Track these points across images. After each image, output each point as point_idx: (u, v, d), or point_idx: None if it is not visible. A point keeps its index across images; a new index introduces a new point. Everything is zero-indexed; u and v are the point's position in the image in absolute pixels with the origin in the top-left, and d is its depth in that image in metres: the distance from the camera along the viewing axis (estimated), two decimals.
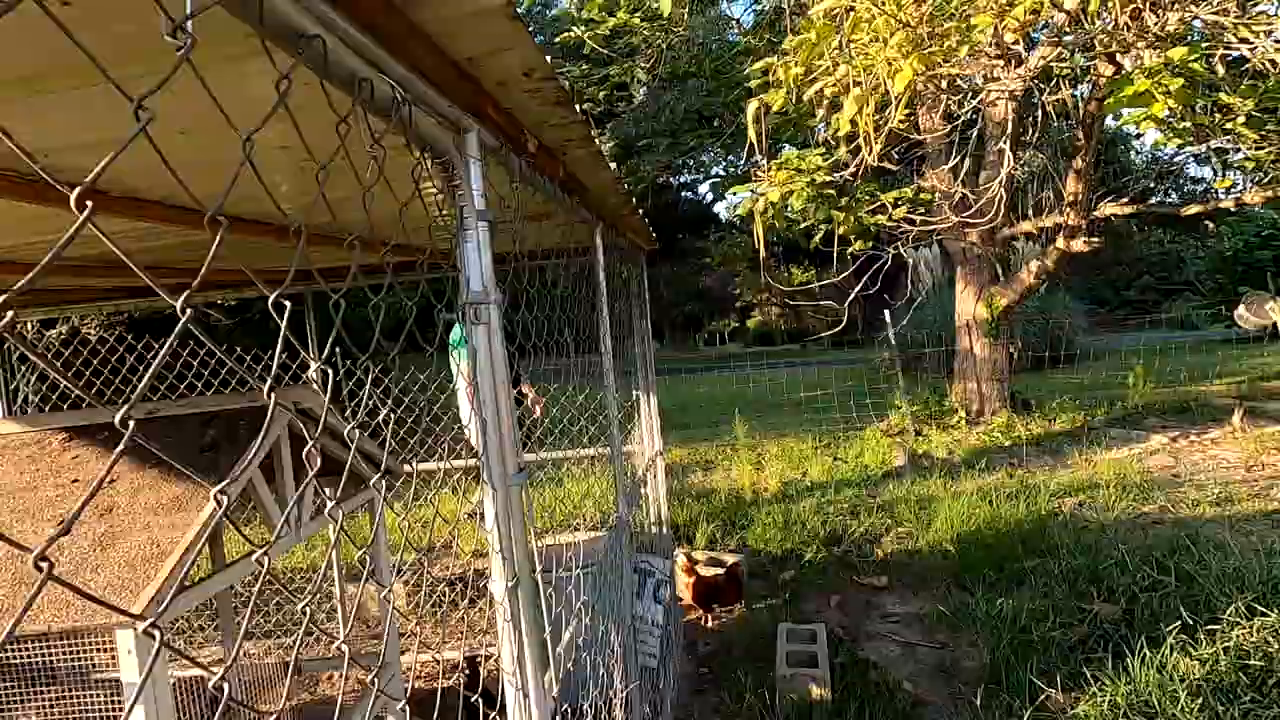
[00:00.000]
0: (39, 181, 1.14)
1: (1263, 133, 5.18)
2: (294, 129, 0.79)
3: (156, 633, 0.39)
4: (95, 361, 3.67)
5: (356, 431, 0.73)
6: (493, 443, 1.11)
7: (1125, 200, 6.71)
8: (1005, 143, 5.98)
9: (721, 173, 17.23)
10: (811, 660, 3.11)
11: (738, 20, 10.93)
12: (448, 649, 3.60)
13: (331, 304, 0.63)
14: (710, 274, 26.01)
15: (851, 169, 4.84)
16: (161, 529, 1.49)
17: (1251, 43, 3.98)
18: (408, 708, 0.86)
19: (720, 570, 4.17)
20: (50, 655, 1.71)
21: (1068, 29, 4.62)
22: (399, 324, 0.91)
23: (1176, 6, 3.88)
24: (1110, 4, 3.73)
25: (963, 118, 5.50)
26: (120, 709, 1.58)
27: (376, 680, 0.68)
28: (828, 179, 5.31)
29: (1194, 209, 6.67)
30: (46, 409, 3.72)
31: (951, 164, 6.51)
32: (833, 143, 4.85)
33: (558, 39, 9.14)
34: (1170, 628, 3.05)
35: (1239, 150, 5.84)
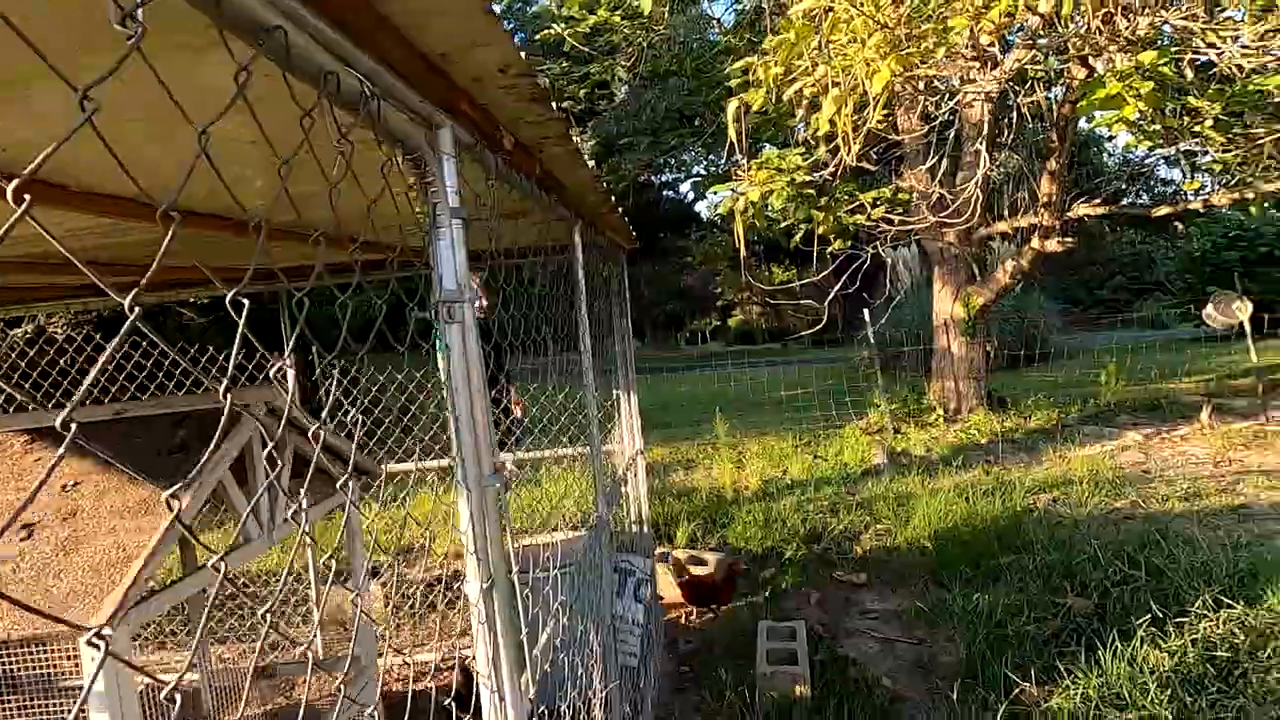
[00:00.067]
0: None
1: (1230, 136, 5.29)
2: (259, 123, 0.78)
3: (102, 642, 0.38)
4: (62, 361, 3.59)
5: (323, 431, 0.71)
6: (467, 443, 1.09)
7: (1098, 201, 6.83)
8: (981, 144, 6.06)
9: (703, 172, 17.28)
10: (791, 658, 3.12)
11: (718, 20, 10.95)
12: (426, 651, 3.56)
13: (295, 301, 0.61)
14: (692, 273, 26.07)
15: (831, 169, 4.87)
16: (128, 533, 1.45)
17: (1219, 48, 4.07)
18: (378, 712, 0.84)
19: (707, 569, 4.18)
20: (12, 663, 1.66)
21: (1042, 32, 4.68)
22: (370, 323, 0.90)
23: (1147, 11, 3.95)
24: (1083, 8, 3.79)
25: (940, 119, 5.56)
26: (86, 717, 1.54)
27: (344, 686, 0.67)
28: (807, 178, 5.34)
29: (1164, 210, 6.80)
30: (11, 410, 3.63)
31: (929, 164, 6.58)
32: (812, 142, 4.88)
33: (538, 36, 9.10)
34: (1141, 621, 3.10)
35: (1207, 153, 5.96)
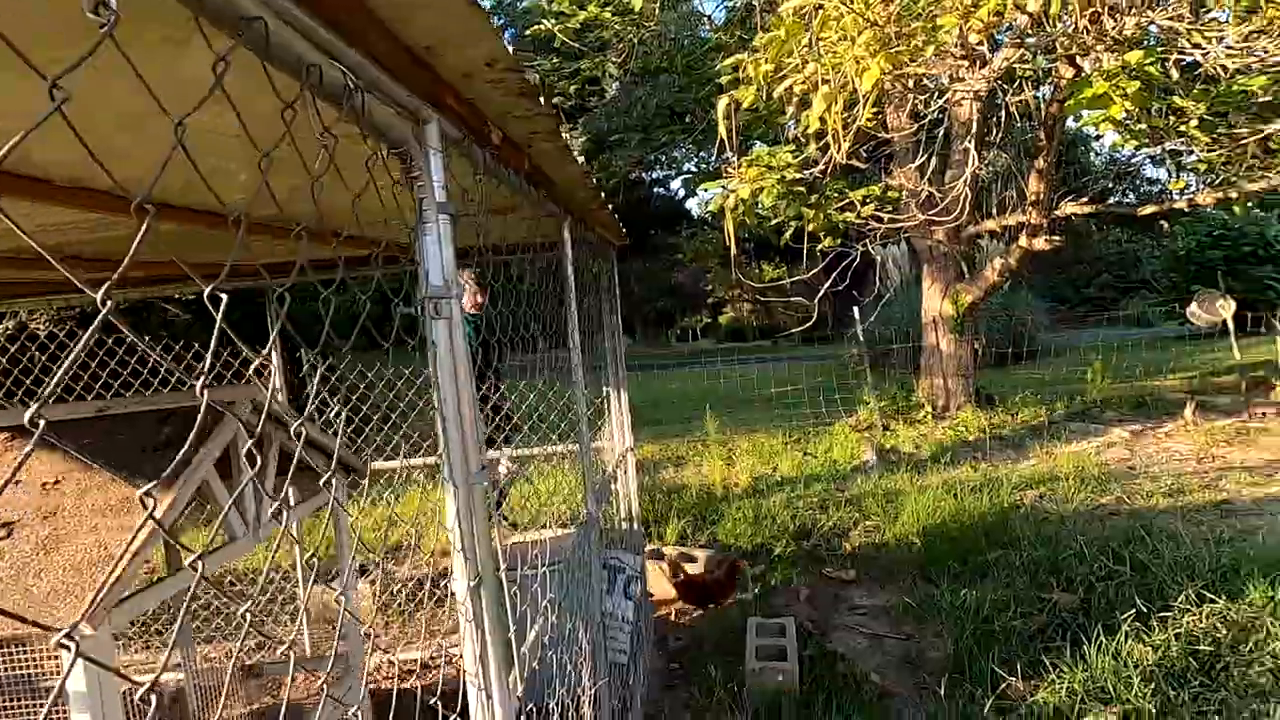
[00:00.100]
0: None
1: (1214, 136, 5.34)
2: (245, 115, 0.76)
3: (72, 644, 0.37)
4: (44, 358, 3.54)
5: (305, 427, 0.70)
6: (454, 440, 1.09)
7: (1085, 200, 6.88)
8: (970, 142, 6.09)
9: (693, 169, 17.28)
10: (781, 653, 3.13)
11: (709, 16, 10.94)
12: (415, 649, 3.55)
13: (277, 297, 0.60)
14: (682, 270, 26.08)
15: (821, 166, 4.87)
16: (110, 531, 1.43)
17: (1204, 48, 4.10)
18: (360, 712, 0.84)
19: (697, 565, 4.18)
20: None
21: (1030, 31, 4.71)
22: (356, 319, 0.89)
23: (1133, 11, 3.98)
24: (1070, 7, 3.81)
25: (929, 117, 5.58)
26: (66, 718, 1.53)
27: (326, 685, 0.66)
28: (798, 176, 5.35)
29: (1150, 209, 6.87)
30: None
31: (918, 162, 6.60)
32: (803, 140, 4.89)
33: (528, 32, 9.06)
34: (1125, 616, 3.14)
35: (1192, 153, 6.02)
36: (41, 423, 0.34)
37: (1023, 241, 6.73)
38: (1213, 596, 3.23)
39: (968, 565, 4.16)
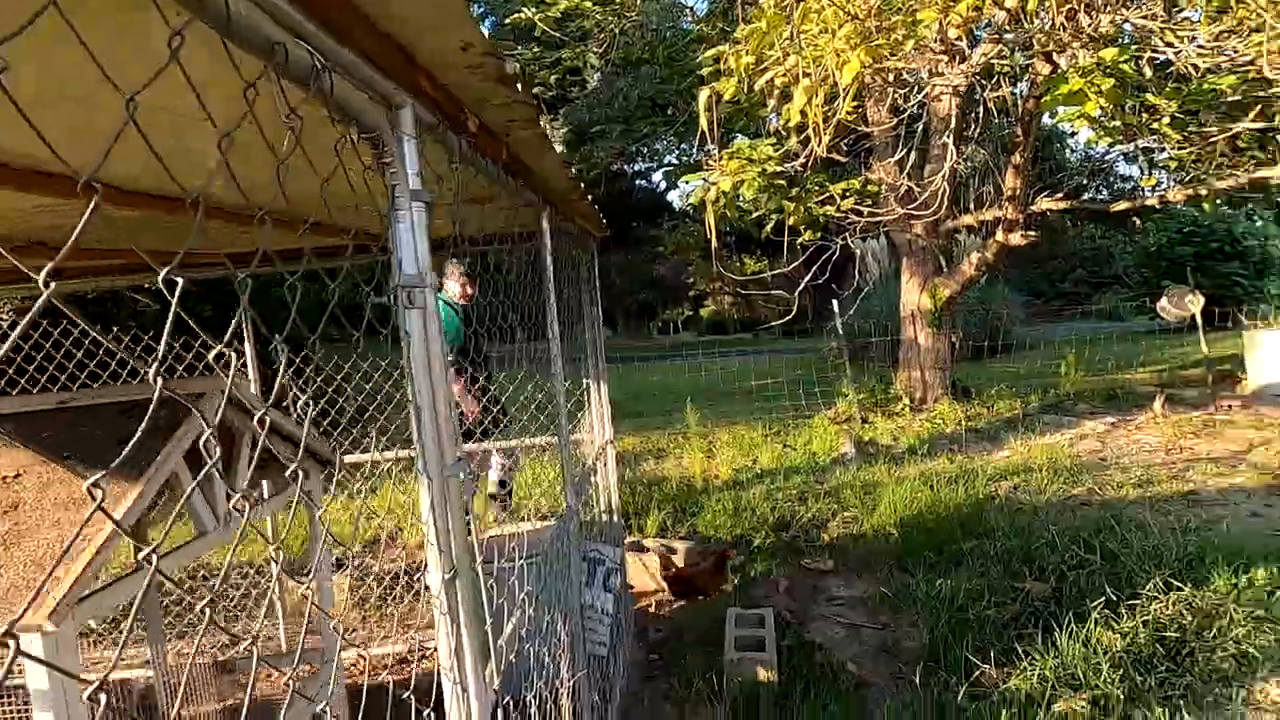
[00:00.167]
0: None
1: (1185, 134, 5.45)
2: (210, 96, 0.74)
3: (12, 641, 0.36)
4: (4, 348, 3.43)
5: (270, 415, 0.68)
6: (428, 431, 1.07)
7: (1060, 196, 6.98)
8: (949, 137, 6.14)
9: (675, 161, 17.24)
10: (759, 644, 3.15)
11: (690, 7, 10.91)
12: (393, 643, 3.52)
13: (239, 283, 0.58)
14: (664, 263, 26.07)
15: (801, 159, 4.89)
16: (73, 526, 1.40)
17: (1176, 47, 4.17)
18: (329, 707, 0.82)
19: (677, 558, 4.19)
20: None
21: (1008, 27, 4.75)
22: (325, 307, 0.86)
23: (1109, 9, 4.03)
24: (1047, 4, 3.85)
25: (908, 112, 5.62)
26: (29, 717, 1.49)
27: (293, 681, 0.64)
28: (778, 169, 5.36)
29: (1122, 205, 6.99)
30: None
31: (898, 157, 6.65)
32: (784, 133, 4.90)
33: (508, 20, 8.96)
34: (1095, 603, 3.20)
35: (1164, 150, 6.13)
36: None
37: (999, 236, 6.82)
38: (1179, 584, 3.31)
39: (943, 555, 4.22)
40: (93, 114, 0.96)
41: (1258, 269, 15.21)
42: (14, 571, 1.29)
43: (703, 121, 4.48)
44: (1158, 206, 6.61)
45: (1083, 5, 3.98)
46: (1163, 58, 4.51)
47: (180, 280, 0.45)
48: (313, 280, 1.11)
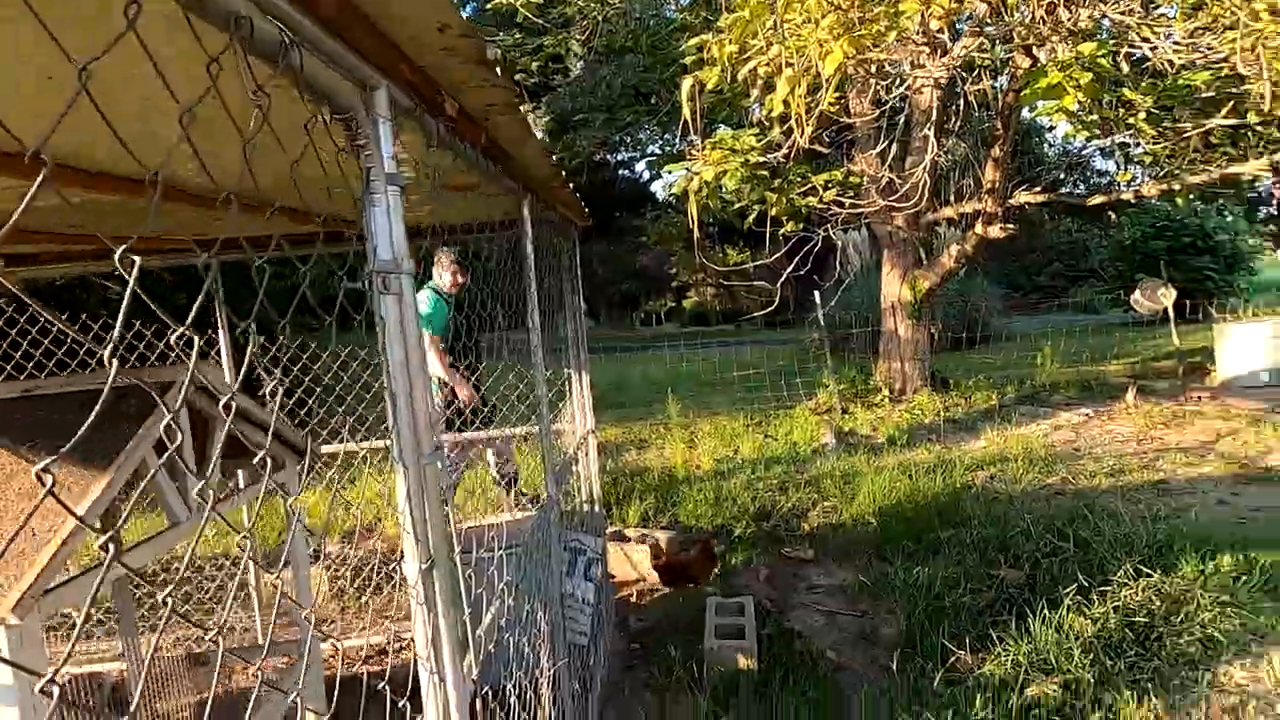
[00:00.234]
0: None
1: (1160, 129, 5.53)
2: (176, 75, 0.71)
3: None
4: None
5: (237, 400, 0.66)
6: (404, 419, 1.06)
7: (1038, 189, 7.06)
8: (930, 129, 6.18)
9: (658, 151, 17.17)
10: (739, 632, 3.18)
11: None
12: (368, 635, 3.50)
13: (202, 265, 0.56)
14: (647, 253, 26.02)
15: (784, 150, 4.89)
16: (38, 516, 1.36)
17: (1153, 43, 4.22)
18: (303, 699, 0.81)
19: (666, 546, 4.20)
20: None
21: (989, 20, 4.78)
22: (296, 291, 0.84)
23: (1088, 4, 4.06)
24: None
25: (891, 104, 5.64)
26: None
27: (262, 672, 0.63)
28: (761, 159, 5.36)
29: (1098, 199, 7.08)
30: None
31: (880, 149, 6.68)
32: (767, 123, 4.89)
33: (490, 5, 8.84)
34: (1067, 590, 3.27)
35: (1139, 145, 6.22)
36: None
37: (979, 229, 6.88)
38: (1148, 571, 3.39)
39: (921, 544, 4.27)
40: (61, 94, 0.93)
41: (1228, 263, 15.53)
42: None
43: (686, 111, 4.45)
44: (1132, 201, 6.72)
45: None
46: (1139, 53, 4.57)
47: (138, 260, 0.44)
48: (288, 268, 1.09)
